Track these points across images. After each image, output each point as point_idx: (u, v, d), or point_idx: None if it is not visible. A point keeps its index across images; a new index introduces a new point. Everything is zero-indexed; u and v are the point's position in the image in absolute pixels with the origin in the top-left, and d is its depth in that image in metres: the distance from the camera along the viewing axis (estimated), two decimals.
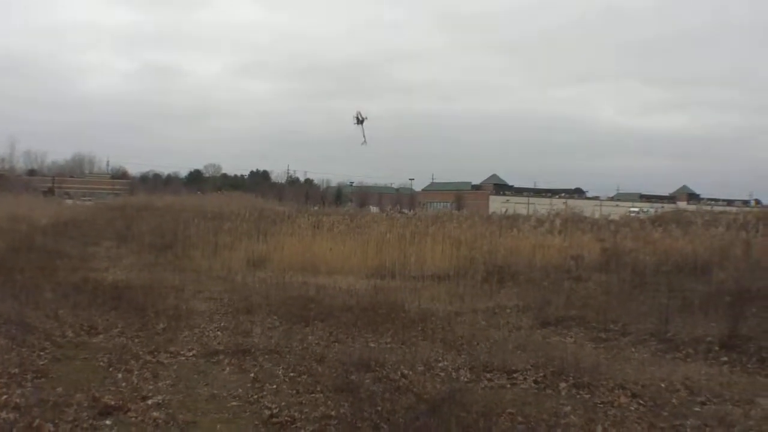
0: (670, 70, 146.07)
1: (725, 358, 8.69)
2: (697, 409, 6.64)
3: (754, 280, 12.11)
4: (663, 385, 7.39)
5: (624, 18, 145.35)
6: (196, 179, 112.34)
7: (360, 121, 17.61)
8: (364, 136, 17.57)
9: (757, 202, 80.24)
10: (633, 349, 9.31)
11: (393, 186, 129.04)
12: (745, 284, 11.69)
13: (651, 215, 31.94)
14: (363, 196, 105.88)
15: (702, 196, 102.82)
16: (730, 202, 79.12)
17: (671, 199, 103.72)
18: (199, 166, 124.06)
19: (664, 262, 14.68)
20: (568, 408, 6.46)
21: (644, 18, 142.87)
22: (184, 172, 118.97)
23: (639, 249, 16.33)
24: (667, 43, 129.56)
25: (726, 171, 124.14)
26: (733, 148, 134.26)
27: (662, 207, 46.96)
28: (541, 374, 7.67)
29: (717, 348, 9.02)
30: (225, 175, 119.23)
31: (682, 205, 66.47)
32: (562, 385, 7.28)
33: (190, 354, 8.45)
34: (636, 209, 49.44)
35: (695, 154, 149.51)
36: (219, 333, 9.69)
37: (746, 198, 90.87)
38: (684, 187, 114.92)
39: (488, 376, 7.75)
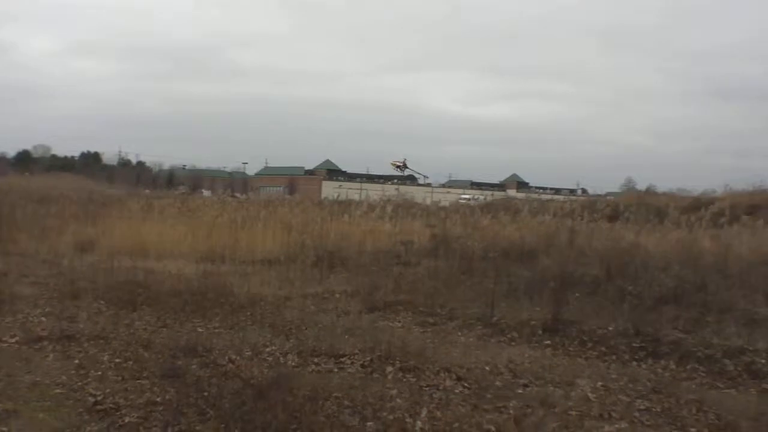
0: (503, 61, 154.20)
1: (548, 342, 9.44)
2: (519, 391, 7.16)
3: (578, 266, 13.24)
4: (487, 368, 7.93)
5: (458, 8, 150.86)
6: (24, 160, 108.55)
7: (402, 167, 18.14)
8: (419, 174, 18.33)
9: (584, 191, 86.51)
10: (459, 333, 9.89)
11: (226, 170, 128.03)
12: (569, 270, 12.73)
13: (481, 202, 33.67)
14: (195, 179, 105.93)
15: (531, 185, 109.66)
16: (557, 191, 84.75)
17: (501, 187, 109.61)
18: (28, 147, 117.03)
19: (492, 248, 15.52)
20: (395, 391, 6.77)
21: (479, 6, 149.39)
22: (12, 153, 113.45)
23: (468, 235, 17.23)
24: (501, 35, 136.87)
25: (554, 161, 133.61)
26: (562, 138, 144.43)
27: (492, 194, 49.57)
28: (369, 358, 7.99)
29: (541, 332, 9.78)
30: (55, 156, 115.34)
31: (512, 193, 70.50)
32: (389, 369, 7.61)
33: (12, 341, 8.29)
34: (467, 196, 51.79)
35: (525, 143, 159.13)
36: (43, 318, 9.55)
37: (573, 187, 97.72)
38: (514, 176, 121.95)
39: (316, 360, 7.99)
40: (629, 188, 53.80)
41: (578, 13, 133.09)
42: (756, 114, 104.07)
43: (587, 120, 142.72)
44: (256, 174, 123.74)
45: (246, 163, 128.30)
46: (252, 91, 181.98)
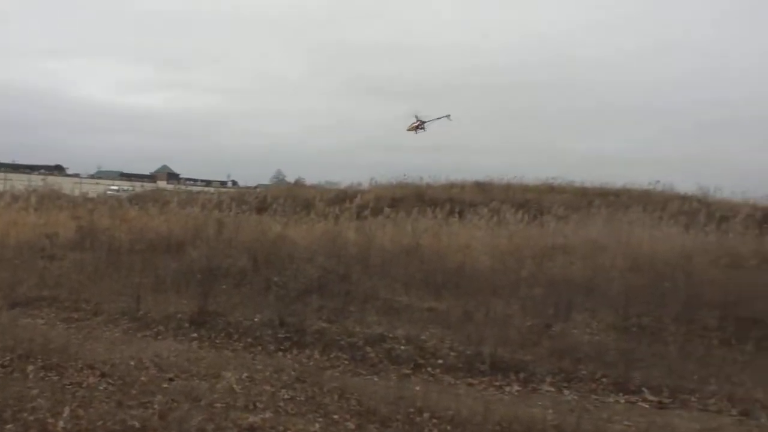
0: (155, 50, 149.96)
1: (195, 335, 9.79)
2: (165, 385, 7.38)
3: (225, 258, 13.71)
4: (133, 363, 8.08)
5: None
6: None
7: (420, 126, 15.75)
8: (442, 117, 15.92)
9: (234, 183, 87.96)
10: (105, 329, 9.93)
11: None
12: (216, 262, 13.20)
13: (130, 193, 32.94)
14: None
15: (182, 176, 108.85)
16: (208, 183, 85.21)
17: (152, 178, 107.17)
18: None
19: (140, 240, 15.52)
20: (36, 391, 6.69)
21: None
22: None
23: (115, 227, 16.92)
24: (152, 22, 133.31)
25: (206, 152, 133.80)
26: (214, 130, 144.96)
27: (142, 186, 48.47)
28: (8, 358, 7.75)
29: (187, 325, 10.13)
30: None
31: (162, 184, 69.35)
32: (30, 367, 7.46)
33: None
34: (116, 187, 50.03)
35: (177, 134, 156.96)
36: None
37: (224, 179, 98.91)
38: (164, 167, 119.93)
39: None
40: (279, 180, 55.97)
41: (230, 4, 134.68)
42: (401, 111, 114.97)
43: (239, 112, 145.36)
44: None
45: None
46: None
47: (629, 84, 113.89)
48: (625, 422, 7.05)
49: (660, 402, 7.95)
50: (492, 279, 12.92)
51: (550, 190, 29.77)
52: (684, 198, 25.84)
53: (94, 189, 37.37)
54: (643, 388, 8.23)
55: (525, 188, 29.78)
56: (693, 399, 8.03)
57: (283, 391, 7.41)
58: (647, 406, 7.84)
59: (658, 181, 29.15)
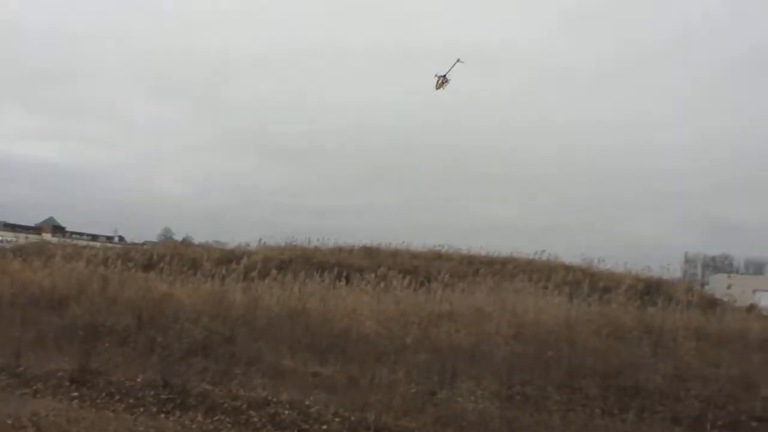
0: (44, 99, 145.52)
1: (76, 393, 9.71)
2: None
3: (109, 316, 13.66)
4: (10, 422, 8.01)
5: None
6: None
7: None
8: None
9: (121, 238, 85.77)
10: None
11: None
12: (100, 319, 13.13)
13: (14, 245, 31.86)
14: None
15: (68, 229, 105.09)
16: (95, 237, 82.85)
17: (37, 230, 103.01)
18: None
19: (22, 294, 15.20)
20: None
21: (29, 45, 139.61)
22: None
23: None
24: (45, 72, 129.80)
25: (94, 206, 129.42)
26: (103, 184, 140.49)
27: (26, 237, 46.85)
28: None
29: (68, 382, 10.03)
30: None
31: (47, 237, 67.07)
32: None
33: None
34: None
35: (64, 186, 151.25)
36: None
37: (111, 234, 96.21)
38: (50, 219, 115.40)
39: None
40: (167, 238, 55.07)
41: (125, 57, 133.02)
42: (293, 172, 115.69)
43: (129, 167, 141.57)
44: None
45: None
46: None
47: (515, 154, 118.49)
48: None
49: None
50: (377, 344, 13.09)
51: (437, 257, 29.95)
52: (568, 268, 26.09)
53: None
54: None
55: (412, 255, 29.90)
56: None
57: None
58: None
59: (543, 251, 29.51)
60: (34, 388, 9.83)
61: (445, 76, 15.76)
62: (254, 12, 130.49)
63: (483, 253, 30.71)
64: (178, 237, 45.77)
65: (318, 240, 31.68)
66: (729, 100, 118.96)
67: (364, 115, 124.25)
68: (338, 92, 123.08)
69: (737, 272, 69.72)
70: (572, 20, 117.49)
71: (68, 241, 42.54)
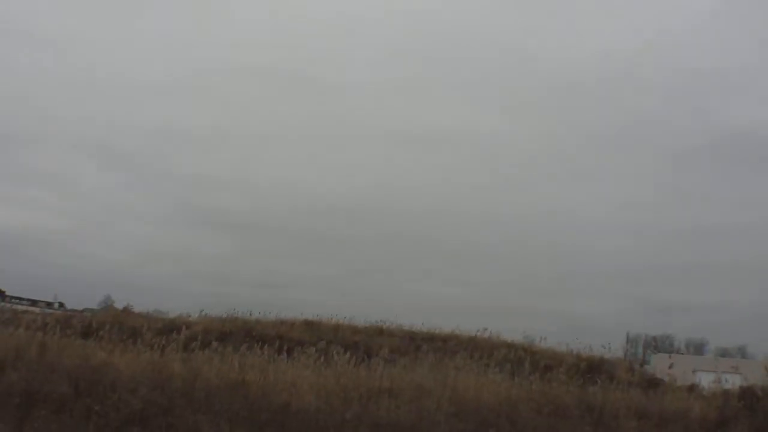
0: None
1: None
2: None
3: (46, 383, 13.41)
4: None
5: None
6: None
7: None
8: None
9: (61, 304, 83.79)
10: None
11: None
12: (36, 386, 12.91)
13: None
14: None
15: (7, 294, 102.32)
16: (34, 302, 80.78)
17: None
18: None
19: None
20: None
21: None
22: None
23: None
24: None
25: (35, 271, 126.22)
26: (45, 249, 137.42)
27: None
28: None
29: None
30: None
31: None
32: None
33: None
34: None
35: (4, 249, 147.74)
36: None
37: (51, 300, 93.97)
38: None
39: None
40: (108, 305, 54.11)
41: (69, 122, 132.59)
42: (235, 244, 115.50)
43: (71, 233, 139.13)
44: None
45: None
46: None
47: (457, 234, 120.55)
48: None
49: None
50: (317, 419, 13.12)
51: (379, 332, 30.11)
52: (510, 346, 26.47)
53: None
54: None
55: (354, 329, 30.07)
56: None
57: None
58: None
59: (485, 329, 29.93)
60: None
61: None
62: (201, 87, 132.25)
63: (425, 329, 31.15)
64: (119, 305, 45.01)
65: (259, 312, 31.70)
66: (670, 186, 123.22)
67: (306, 188, 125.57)
68: (281, 169, 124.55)
69: (678, 352, 70.92)
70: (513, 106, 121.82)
71: (7, 305, 41.45)
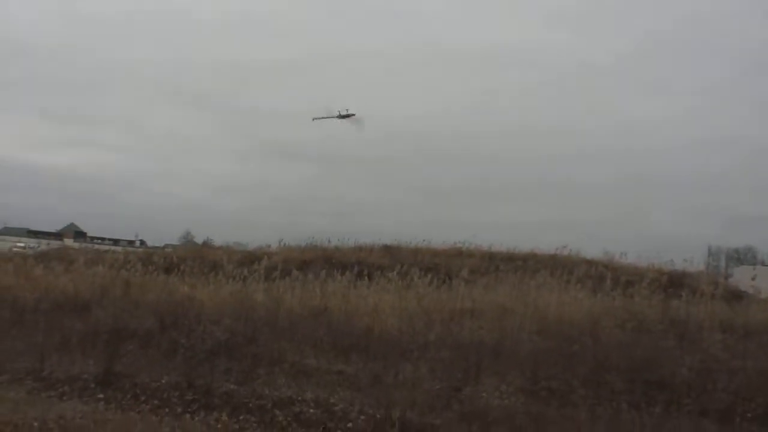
0: (62, 106, 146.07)
1: (101, 395, 9.73)
2: None
3: (132, 319, 13.72)
4: (37, 424, 8.02)
5: (18, 53, 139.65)
6: None
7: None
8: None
9: (142, 242, 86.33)
10: (8, 388, 9.80)
11: None
12: (123, 323, 13.17)
13: (36, 251, 32.17)
14: None
15: (89, 235, 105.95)
16: (116, 242, 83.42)
17: (59, 236, 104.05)
18: None
19: (45, 299, 15.32)
20: None
21: (37, 49, 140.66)
22: None
23: (20, 285, 16.66)
24: (68, 82, 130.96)
25: (114, 211, 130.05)
26: (123, 189, 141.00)
27: (48, 243, 47.38)
28: None
29: (93, 385, 10.07)
30: None
31: (69, 242, 67.83)
32: None
33: None
34: (22, 245, 48.92)
35: (85, 192, 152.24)
36: None
37: (132, 238, 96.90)
38: (71, 225, 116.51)
39: None
40: (187, 241, 55.48)
41: (141, 65, 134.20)
42: (311, 174, 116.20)
43: (149, 172, 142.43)
44: None
45: None
46: None
47: (533, 151, 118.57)
48: None
49: None
50: (400, 342, 13.04)
51: (458, 254, 29.82)
52: (590, 263, 25.77)
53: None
54: None
55: (433, 252, 29.82)
56: None
57: None
58: None
59: (564, 246, 29.30)
60: (59, 391, 9.88)
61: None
62: (269, 18, 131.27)
63: (504, 249, 30.62)
64: (199, 240, 46.00)
65: (338, 240, 31.77)
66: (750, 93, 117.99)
67: (381, 114, 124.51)
68: (355, 95, 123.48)
69: (761, 264, 68.94)
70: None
71: (90, 246, 42.79)
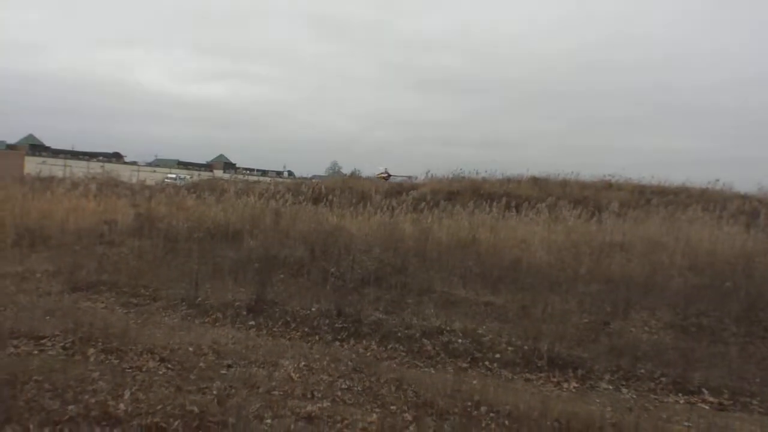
0: (218, 42, 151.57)
1: (252, 322, 9.96)
2: (223, 371, 7.54)
3: (282, 248, 14.00)
4: (191, 349, 8.26)
5: None
6: None
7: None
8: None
9: (290, 173, 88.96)
10: (164, 314, 10.19)
11: None
12: (273, 251, 13.46)
13: (187, 182, 33.57)
14: None
15: (238, 166, 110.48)
16: (264, 173, 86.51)
17: (208, 167, 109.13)
18: None
19: (197, 228, 15.87)
20: (97, 374, 6.90)
21: None
22: None
23: (173, 215, 17.37)
24: (214, 14, 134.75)
25: (262, 142, 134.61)
26: (271, 121, 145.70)
27: (199, 174, 49.46)
28: (70, 340, 8.02)
29: (245, 312, 10.31)
30: None
31: (219, 173, 70.87)
32: (91, 350, 7.71)
33: None
34: (173, 175, 51.33)
35: (233, 124, 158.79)
36: None
37: (280, 169, 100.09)
38: (221, 156, 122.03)
39: (15, 342, 7.87)
40: (335, 172, 56.51)
41: (290, 4, 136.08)
42: (457, 106, 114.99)
43: (296, 104, 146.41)
44: None
45: None
46: None
47: (695, 84, 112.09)
48: (685, 423, 6.96)
49: (720, 403, 7.87)
50: (549, 275, 13.00)
51: (607, 187, 29.17)
52: (744, 198, 25.06)
53: (151, 177, 38.34)
54: (703, 389, 8.15)
55: (582, 185, 29.25)
56: (754, 402, 7.94)
57: (341, 380, 7.53)
58: (707, 407, 7.77)
59: (717, 180, 28.29)
60: (213, 317, 10.14)
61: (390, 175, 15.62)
62: None
63: (654, 182, 29.80)
64: (346, 171, 46.76)
65: (485, 171, 31.60)
66: None
67: (528, 43, 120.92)
68: (500, 23, 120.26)
69: None
70: None
71: (239, 177, 44.32)
